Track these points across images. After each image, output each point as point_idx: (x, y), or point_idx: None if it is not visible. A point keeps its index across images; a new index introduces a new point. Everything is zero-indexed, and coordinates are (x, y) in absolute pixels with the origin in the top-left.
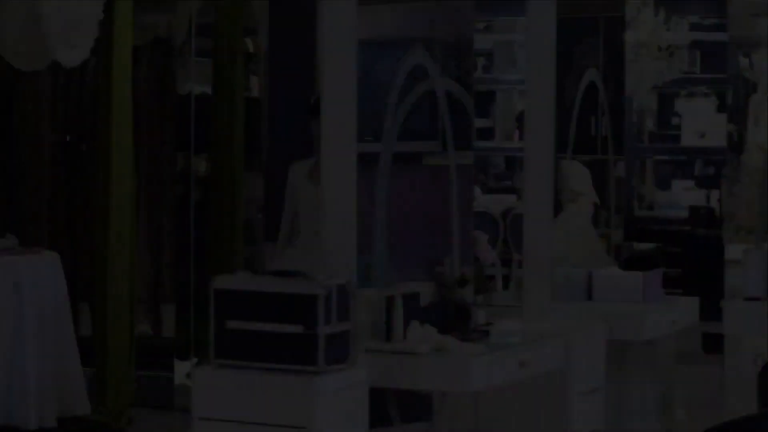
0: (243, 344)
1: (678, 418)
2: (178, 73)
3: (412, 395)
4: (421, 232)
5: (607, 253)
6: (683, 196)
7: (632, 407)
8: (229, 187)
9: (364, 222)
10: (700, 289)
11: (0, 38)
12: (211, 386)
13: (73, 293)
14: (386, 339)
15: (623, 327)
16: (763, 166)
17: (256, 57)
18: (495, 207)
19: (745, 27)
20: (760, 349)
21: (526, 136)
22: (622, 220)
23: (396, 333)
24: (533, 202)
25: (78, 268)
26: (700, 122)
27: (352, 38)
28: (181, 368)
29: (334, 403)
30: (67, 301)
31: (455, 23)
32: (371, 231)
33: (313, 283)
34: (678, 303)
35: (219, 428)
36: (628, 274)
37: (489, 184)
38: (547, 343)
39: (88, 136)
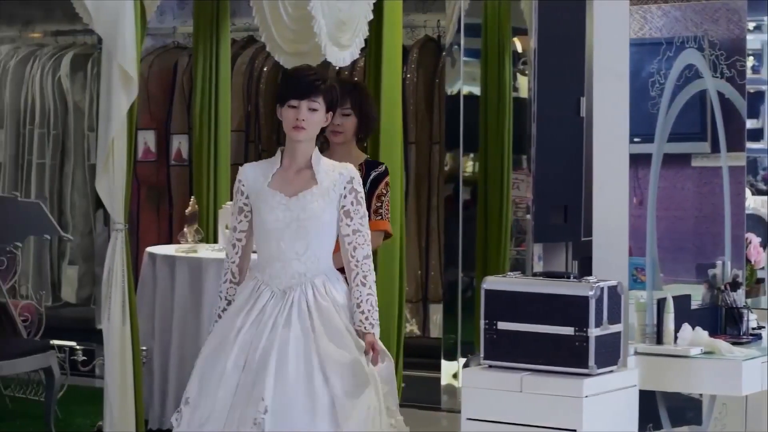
0: (512, 345)
1: None
2: (447, 72)
3: (682, 398)
4: (691, 234)
5: None
6: None
7: None
8: (497, 187)
9: (634, 223)
10: None
11: (271, 39)
12: (480, 387)
13: None
14: (657, 341)
15: None
16: None
17: (524, 57)
18: (765, 209)
19: None
20: None
21: None
22: None
23: (667, 335)
24: None
25: None
26: None
27: (624, 38)
28: (448, 369)
29: (604, 405)
30: None
31: (727, 22)
32: (642, 232)
33: (585, 284)
34: None
35: (487, 429)
36: None
37: (758, 186)
38: None
39: None
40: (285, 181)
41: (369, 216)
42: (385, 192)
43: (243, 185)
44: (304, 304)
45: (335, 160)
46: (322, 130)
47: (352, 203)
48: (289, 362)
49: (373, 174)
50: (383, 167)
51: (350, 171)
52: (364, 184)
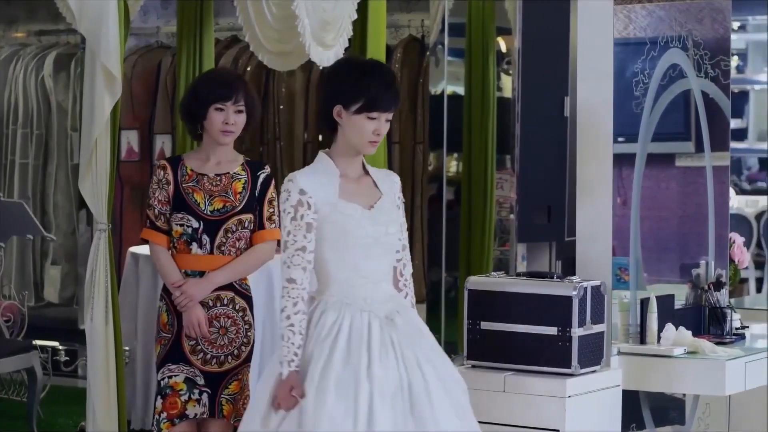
0: (495, 345)
1: None
2: (431, 72)
3: (666, 398)
4: (675, 234)
5: None
6: None
7: None
8: (480, 187)
9: (618, 223)
10: None
11: (255, 38)
12: None
13: None
14: (640, 341)
15: None
16: None
17: (508, 57)
18: (749, 209)
19: None
20: None
21: None
22: None
23: (650, 335)
24: None
25: None
26: None
27: (608, 38)
28: None
29: (587, 406)
30: None
31: (711, 22)
32: (626, 232)
33: (568, 284)
34: None
35: None
36: None
37: (742, 186)
38: None
39: None
40: (353, 192)
41: (261, 224)
42: (275, 196)
43: (310, 197)
44: (412, 330)
45: (212, 161)
46: (203, 128)
47: (402, 215)
48: (443, 396)
49: (262, 176)
50: (268, 168)
51: (397, 178)
52: (254, 188)
